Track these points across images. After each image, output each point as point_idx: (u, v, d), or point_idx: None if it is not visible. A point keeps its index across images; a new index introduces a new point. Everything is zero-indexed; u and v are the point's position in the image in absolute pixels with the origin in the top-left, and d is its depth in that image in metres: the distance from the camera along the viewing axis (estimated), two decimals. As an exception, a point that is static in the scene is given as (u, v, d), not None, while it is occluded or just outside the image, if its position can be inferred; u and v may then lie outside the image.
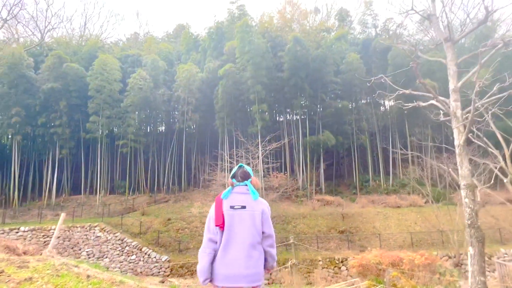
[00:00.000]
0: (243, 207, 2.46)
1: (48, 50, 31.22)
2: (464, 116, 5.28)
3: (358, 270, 9.15)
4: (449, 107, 5.44)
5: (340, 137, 29.32)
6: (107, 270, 6.91)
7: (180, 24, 46.78)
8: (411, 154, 22.72)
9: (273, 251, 2.62)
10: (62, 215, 7.18)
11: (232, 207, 2.46)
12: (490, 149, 11.41)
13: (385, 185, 29.55)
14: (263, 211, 2.54)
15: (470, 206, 4.73)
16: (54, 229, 22.30)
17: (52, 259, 5.64)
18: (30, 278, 3.80)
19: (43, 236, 21.48)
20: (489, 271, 18.04)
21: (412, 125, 29.69)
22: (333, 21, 36.44)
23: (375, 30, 33.80)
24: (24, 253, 6.78)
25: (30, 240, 20.99)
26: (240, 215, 2.45)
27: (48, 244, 21.50)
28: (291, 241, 6.45)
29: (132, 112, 28.80)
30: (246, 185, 2.64)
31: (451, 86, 5.49)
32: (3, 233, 21.07)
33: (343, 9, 38.32)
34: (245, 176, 2.68)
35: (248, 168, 2.77)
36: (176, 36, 44.84)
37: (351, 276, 18.64)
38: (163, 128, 34.48)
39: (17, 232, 21.29)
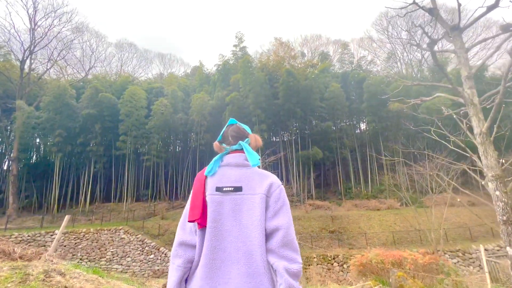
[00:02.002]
0: (238, 188, 1.10)
1: (89, 84, 30.46)
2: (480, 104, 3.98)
3: (359, 269, 7.39)
4: (465, 95, 4.12)
5: (326, 152, 27.90)
6: (109, 274, 5.15)
7: (195, 66, 46.52)
8: (394, 160, 20.96)
9: (289, 264, 0.99)
10: (66, 218, 5.63)
11: (219, 189, 1.12)
12: (467, 154, 10.04)
13: (365, 191, 27.73)
14: (269, 189, 1.05)
15: (503, 199, 3.29)
16: (85, 232, 20.39)
17: (42, 264, 3.95)
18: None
19: (74, 238, 19.51)
20: (471, 267, 16.05)
21: (385, 141, 28.34)
22: (317, 61, 35.97)
23: (351, 66, 33.20)
24: (21, 257, 5.05)
25: (63, 242, 19.02)
26: (233, 203, 1.09)
27: (78, 245, 19.51)
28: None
29: (155, 133, 27.49)
30: (243, 149, 1.18)
31: (464, 73, 4.20)
32: (39, 236, 19.15)
33: (324, 52, 38.12)
34: (240, 135, 1.22)
35: (244, 125, 1.28)
36: (192, 74, 44.49)
37: (343, 271, 16.63)
38: (181, 145, 33.09)
39: (52, 235, 19.32)
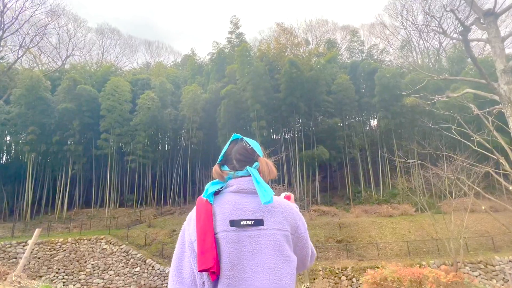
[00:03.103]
0: (259, 222, 0.94)
1: (66, 74, 30.06)
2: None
3: (372, 287, 7.25)
4: (501, 92, 3.94)
5: (333, 151, 27.78)
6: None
7: (186, 54, 46.10)
8: (409, 162, 20.84)
9: None
10: (36, 231, 5.43)
11: (235, 222, 0.94)
12: (493, 156, 9.89)
13: (376, 196, 27.69)
14: (293, 225, 0.99)
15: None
16: (62, 242, 20.16)
17: (5, 287, 3.72)
18: None
19: (49, 249, 19.27)
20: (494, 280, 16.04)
21: (398, 139, 28.28)
22: (323, 49, 35.79)
23: (361, 55, 33.07)
24: (-17, 279, 4.85)
25: (36, 254, 18.78)
26: (253, 241, 0.92)
27: (54, 256, 19.28)
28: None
29: (141, 130, 27.18)
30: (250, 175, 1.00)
31: (500, 66, 4.01)
32: (10, 246, 18.89)
33: (331, 40, 37.92)
34: (248, 159, 1.05)
35: (252, 142, 1.11)
36: (183, 64, 44.12)
37: (351, 285, 16.55)
38: (170, 144, 32.82)
39: (24, 246, 19.06)
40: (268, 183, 1.07)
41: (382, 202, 26.14)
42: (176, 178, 29.26)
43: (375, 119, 32.84)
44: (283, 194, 1.19)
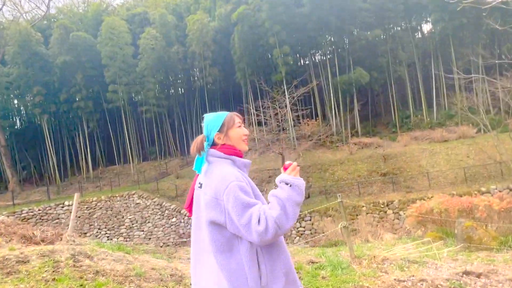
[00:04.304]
0: (201, 185, 1.52)
1: (54, 22, 30.17)
2: None
3: (417, 220, 7.92)
4: None
5: (374, 73, 26.68)
6: (132, 250, 6.15)
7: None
8: (471, 77, 19.55)
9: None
10: (75, 196, 6.55)
11: (198, 185, 1.56)
12: None
13: (428, 119, 27.11)
14: (217, 193, 1.38)
15: None
16: (96, 201, 23.18)
17: (66, 247, 4.87)
18: (11, 293, 2.95)
19: (86, 208, 22.35)
20: None
21: (458, 46, 26.02)
22: None
23: None
24: (42, 240, 6.18)
25: (76, 214, 21.91)
26: (200, 196, 1.52)
27: (92, 214, 22.48)
28: (339, 199, 5.26)
29: (149, 75, 27.75)
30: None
31: None
32: (50, 209, 22.16)
33: None
34: (201, 148, 1.54)
35: (206, 122, 1.56)
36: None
37: (399, 218, 17.70)
38: (184, 87, 33.37)
39: (63, 207, 22.28)
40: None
41: (435, 126, 25.72)
42: (196, 123, 30.41)
43: (428, 23, 30.02)
44: (287, 163, 1.52)
